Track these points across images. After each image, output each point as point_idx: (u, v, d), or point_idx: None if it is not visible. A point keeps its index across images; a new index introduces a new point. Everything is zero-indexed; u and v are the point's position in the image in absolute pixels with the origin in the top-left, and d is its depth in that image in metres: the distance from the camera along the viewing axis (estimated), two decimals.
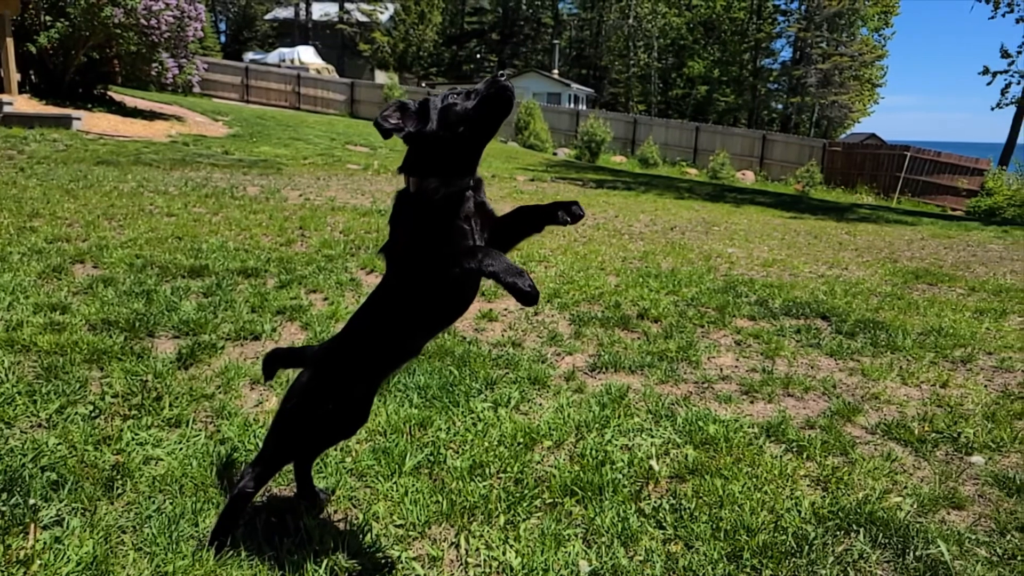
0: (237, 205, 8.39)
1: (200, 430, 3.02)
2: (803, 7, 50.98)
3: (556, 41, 55.16)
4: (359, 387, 2.17)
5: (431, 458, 2.90)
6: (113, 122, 16.67)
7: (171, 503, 2.46)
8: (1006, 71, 31.39)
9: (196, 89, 20.48)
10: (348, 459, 2.86)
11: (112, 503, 2.46)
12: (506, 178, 16.50)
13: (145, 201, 8.05)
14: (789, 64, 54.51)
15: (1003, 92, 31.75)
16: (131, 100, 19.93)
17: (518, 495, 2.67)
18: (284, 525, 2.41)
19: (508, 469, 2.86)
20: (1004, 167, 28.90)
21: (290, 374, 2.89)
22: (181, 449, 2.83)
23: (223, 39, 53.33)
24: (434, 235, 1.87)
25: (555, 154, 30.90)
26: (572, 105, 42.67)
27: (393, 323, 2.04)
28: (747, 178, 30.90)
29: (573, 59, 61.14)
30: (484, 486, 2.72)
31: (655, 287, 6.04)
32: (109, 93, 19.11)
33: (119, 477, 2.58)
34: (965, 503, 2.80)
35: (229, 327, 4.21)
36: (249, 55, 43.02)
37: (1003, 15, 30.59)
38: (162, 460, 2.75)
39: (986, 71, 31.86)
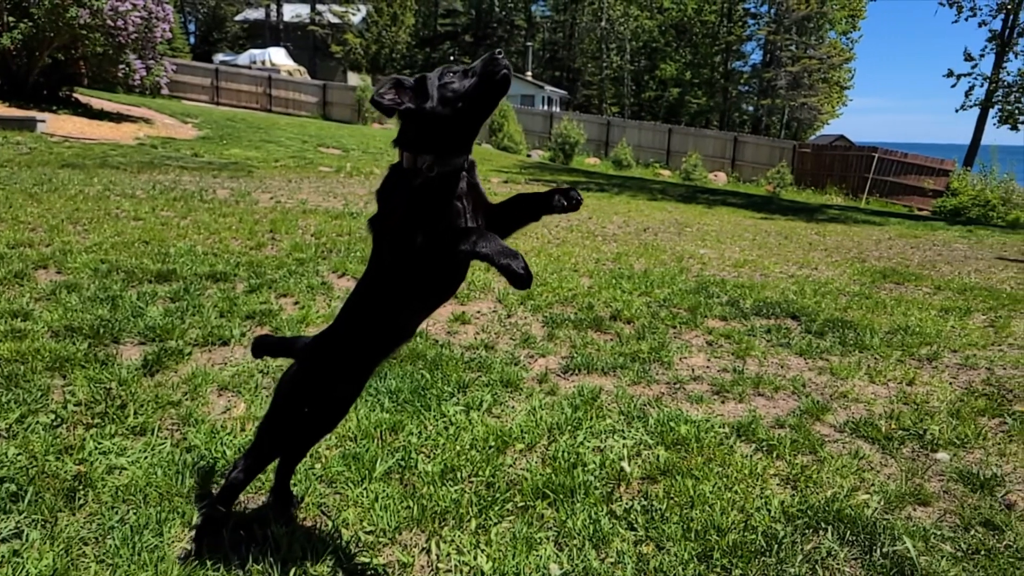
0: (206, 208, 8.27)
1: (166, 438, 2.97)
2: (772, 10, 51.65)
3: (529, 43, 55.26)
4: (354, 373, 2.13)
5: (402, 463, 2.88)
6: (79, 124, 16.37)
7: (135, 513, 2.41)
8: (969, 74, 32.03)
9: (164, 91, 20.19)
10: (318, 465, 2.82)
11: (73, 514, 2.40)
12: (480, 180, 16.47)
13: (111, 205, 7.91)
14: (759, 67, 55.19)
15: (967, 94, 32.43)
16: (98, 102, 19.59)
17: (490, 499, 2.66)
18: (251, 533, 2.37)
19: (480, 473, 2.85)
20: (968, 168, 29.49)
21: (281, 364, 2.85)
22: (146, 458, 2.78)
23: (192, 40, 52.63)
24: (427, 212, 1.83)
25: (529, 156, 30.96)
26: (546, 107, 42.80)
27: (385, 301, 1.98)
28: (719, 179, 31.21)
29: (546, 61, 61.31)
30: (455, 490, 2.70)
31: (628, 288, 6.06)
32: (75, 95, 18.77)
33: (81, 487, 2.53)
34: (930, 499, 2.85)
35: (197, 333, 4.14)
36: (219, 56, 42.51)
37: (966, 19, 31.27)
38: (126, 469, 2.69)
39: (950, 74, 32.50)
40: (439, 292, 2.03)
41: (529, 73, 46.99)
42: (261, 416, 3.17)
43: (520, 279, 1.64)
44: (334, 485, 2.71)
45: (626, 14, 55.10)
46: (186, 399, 3.32)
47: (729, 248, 9.27)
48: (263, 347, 2.46)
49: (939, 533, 2.59)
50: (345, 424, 3.13)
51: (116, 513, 2.41)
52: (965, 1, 30.59)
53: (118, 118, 18.50)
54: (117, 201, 8.23)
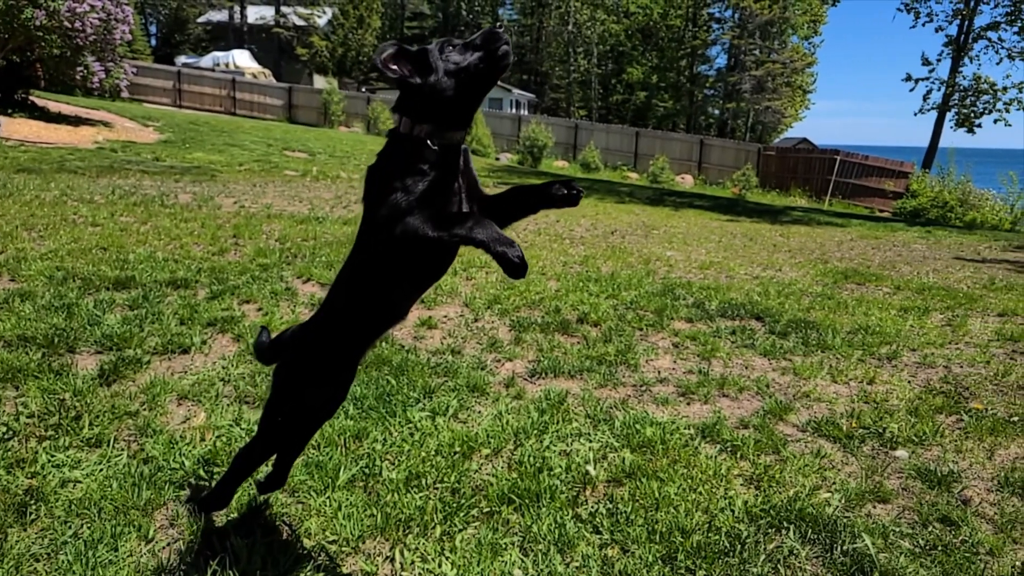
0: (168, 213, 8.12)
1: (122, 449, 2.89)
2: (736, 15, 52.38)
3: None
4: (347, 356, 2.08)
5: (366, 471, 2.85)
6: (35, 128, 15.97)
7: (88, 528, 2.35)
8: (927, 78, 32.77)
9: (125, 94, 19.79)
10: None
11: (25, 530, 2.33)
12: None
13: (68, 210, 7.72)
14: (724, 70, 55.92)
15: (925, 98, 33.16)
16: (55, 105, 19.14)
17: (455, 505, 2.64)
18: (210, 545, 2.32)
19: (445, 479, 2.83)
20: (927, 170, 30.18)
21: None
22: (101, 470, 2.71)
23: (154, 42, 51.71)
24: (422, 182, 1.77)
25: (497, 159, 30.98)
26: (514, 110, 42.86)
27: (378, 280, 1.91)
28: (686, 182, 31.53)
29: (514, 64, 61.45)
30: (420, 497, 2.68)
31: (595, 291, 6.08)
32: (31, 98, 18.31)
33: (33, 502, 2.45)
34: (890, 496, 2.89)
35: (156, 341, 4.05)
36: (181, 59, 41.85)
37: (923, 24, 31.96)
38: (80, 482, 2.62)
39: (909, 78, 33.21)
40: (431, 272, 1.97)
41: None
42: (227, 421, 3.12)
43: (515, 268, 1.61)
44: (296, 494, 2.66)
45: (592, 18, 55.47)
46: (144, 409, 3.25)
47: (695, 250, 9.36)
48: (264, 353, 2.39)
49: (898, 530, 2.63)
50: None
51: (69, 528, 2.34)
52: (922, 7, 31.33)
53: (76, 121, 18.09)
54: (74, 206, 8.04)
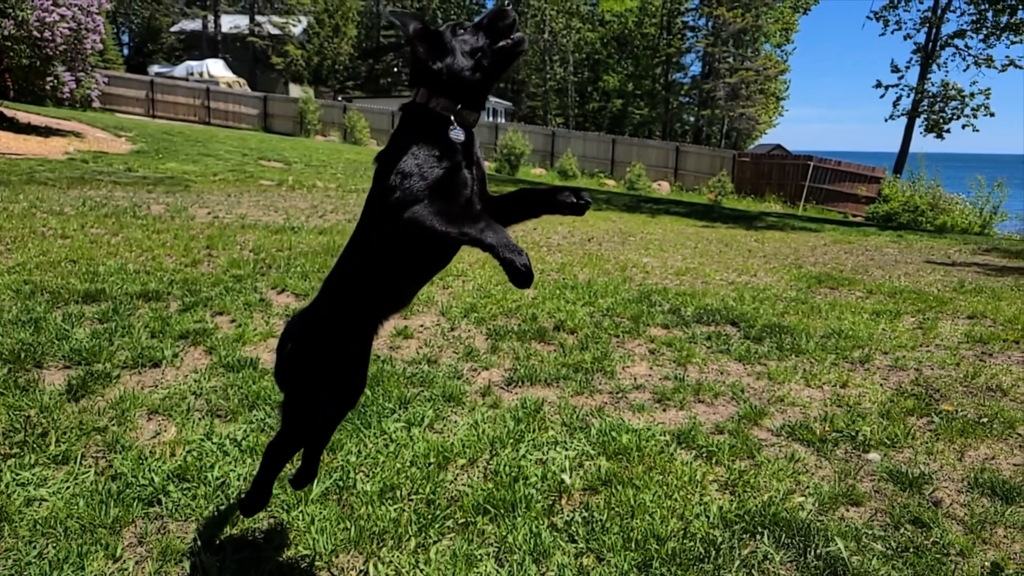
0: (139, 225, 8.01)
1: (90, 466, 2.84)
2: (710, 24, 52.92)
3: None
4: (352, 342, 2.02)
5: (340, 483, 2.82)
6: (4, 139, 15.70)
7: (54, 548, 2.30)
8: (897, 85, 33.22)
9: (96, 104, 19.53)
10: None
11: None
12: None
13: (37, 223, 7.60)
14: (699, 78, 56.45)
15: (895, 104, 33.60)
16: (25, 115, 18.84)
17: (430, 517, 2.62)
18: (180, 563, 2.28)
19: (420, 490, 2.81)
20: (898, 175, 30.62)
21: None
22: (67, 488, 2.65)
23: (126, 52, 51.17)
24: (437, 168, 1.74)
25: None
26: (491, 118, 42.91)
27: (380, 264, 1.85)
28: (663, 188, 31.74)
29: None
30: (395, 509, 2.66)
31: (572, 298, 6.09)
32: (0, 108, 18.01)
33: None
34: (862, 499, 2.92)
35: (126, 354, 3.99)
36: (155, 68, 41.42)
37: (892, 32, 32.45)
38: (46, 501, 2.57)
39: (879, 84, 33.69)
40: (435, 263, 1.94)
41: None
42: (198, 436, 3.07)
43: (521, 276, 1.58)
44: (268, 509, 2.63)
45: (568, 27, 55.78)
46: (113, 424, 3.19)
47: (672, 256, 9.41)
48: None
49: (870, 532, 2.65)
50: None
51: (34, 548, 2.29)
52: (891, 15, 31.84)
53: (46, 132, 17.82)
54: (43, 218, 7.91)
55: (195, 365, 4.00)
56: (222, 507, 2.58)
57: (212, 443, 3.06)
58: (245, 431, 3.19)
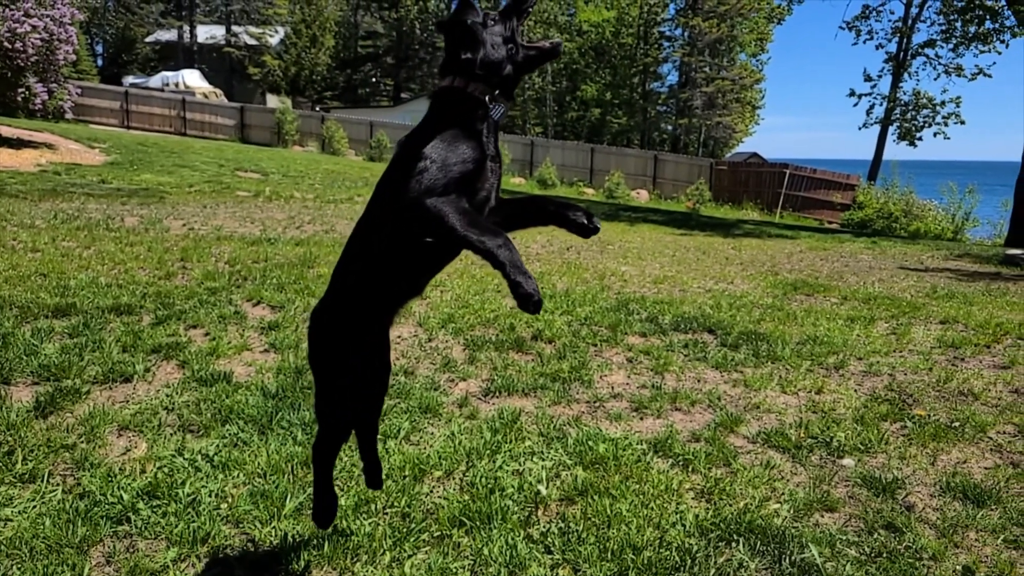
0: (112, 237, 7.91)
1: (57, 485, 2.78)
2: (686, 34, 53.47)
3: None
4: (367, 330, 2.00)
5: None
6: None
7: (19, 569, 2.25)
8: (869, 94, 33.82)
9: (69, 115, 19.27)
10: (224, 505, 2.70)
11: None
12: None
13: (7, 236, 7.47)
14: (676, 87, 56.97)
15: (868, 112, 34.20)
16: None
17: (405, 530, 2.60)
18: None
19: (395, 504, 2.78)
20: (872, 182, 31.10)
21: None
22: (34, 507, 2.60)
23: (100, 63, 50.64)
24: (464, 161, 1.72)
25: None
26: None
27: (390, 254, 1.82)
28: (641, 197, 31.93)
29: None
30: (369, 523, 2.63)
31: (550, 308, 6.09)
32: None
33: None
34: (837, 505, 2.94)
35: (96, 370, 3.92)
36: (129, 79, 41.01)
37: (864, 42, 32.99)
38: (11, 521, 2.51)
39: (852, 93, 34.24)
40: (446, 256, 1.91)
41: None
42: (169, 451, 3.02)
43: (527, 300, 1.55)
44: (240, 525, 2.59)
45: (545, 36, 56.06)
46: (82, 441, 3.13)
47: (650, 265, 9.46)
48: None
49: (844, 538, 2.67)
50: (254, 460, 3.02)
51: None
52: (863, 25, 32.37)
53: (18, 144, 17.56)
54: (14, 232, 7.78)
55: (167, 379, 3.94)
56: (193, 524, 2.54)
57: (184, 459, 3.01)
58: (218, 446, 3.14)
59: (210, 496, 2.74)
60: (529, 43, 1.85)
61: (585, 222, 1.77)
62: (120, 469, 2.92)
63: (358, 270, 1.90)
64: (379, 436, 3.35)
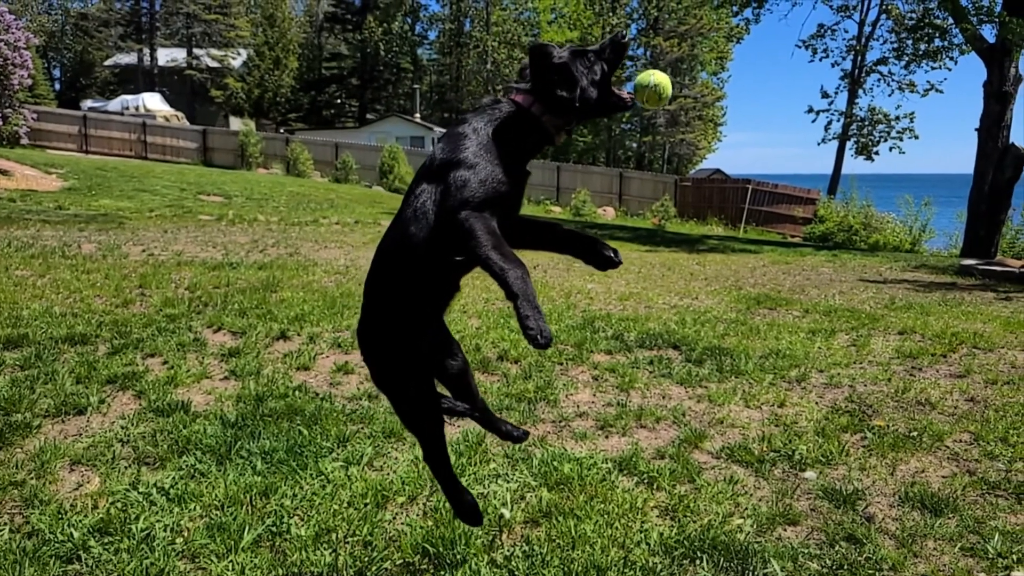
0: (68, 265, 7.73)
1: (4, 524, 2.69)
2: (648, 53, 54.37)
3: (416, 85, 55.68)
4: (414, 326, 1.94)
5: (273, 529, 2.73)
6: None
7: None
8: (827, 110, 34.65)
9: (25, 140, 18.95)
10: (179, 540, 2.63)
11: None
12: (369, 223, 16.29)
13: None
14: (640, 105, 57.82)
15: (826, 128, 35.00)
16: None
17: (366, 559, 2.56)
18: None
19: (357, 532, 2.74)
20: (832, 196, 31.82)
21: None
22: None
23: (58, 87, 49.87)
24: (507, 182, 1.73)
25: None
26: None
27: (416, 259, 1.80)
28: (608, 214, 32.21)
29: (435, 103, 61.87)
30: (330, 554, 2.58)
31: (516, 327, 6.08)
32: None
33: None
34: (799, 518, 2.96)
35: (48, 402, 3.82)
36: (88, 103, 40.38)
37: (820, 60, 33.83)
38: None
39: (811, 110, 35.00)
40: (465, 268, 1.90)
41: (417, 115, 47.24)
42: (123, 485, 2.93)
43: (535, 337, 1.53)
44: (196, 560, 2.52)
45: (510, 57, 56.57)
46: (31, 478, 3.04)
47: (615, 282, 9.51)
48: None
49: (806, 551, 2.68)
50: (211, 491, 2.95)
51: None
52: (818, 43, 33.22)
53: None
54: None
55: (123, 411, 3.84)
56: (146, 560, 2.46)
57: (138, 492, 2.93)
58: (174, 478, 3.07)
59: (165, 531, 2.66)
60: (615, 93, 1.87)
61: (612, 255, 1.85)
62: (71, 505, 2.83)
63: (393, 276, 1.88)
64: (341, 463, 3.31)
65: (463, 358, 2.17)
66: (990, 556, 2.68)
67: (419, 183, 1.82)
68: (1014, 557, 2.68)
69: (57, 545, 2.54)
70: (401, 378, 1.99)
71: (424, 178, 1.81)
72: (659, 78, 1.84)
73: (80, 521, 2.70)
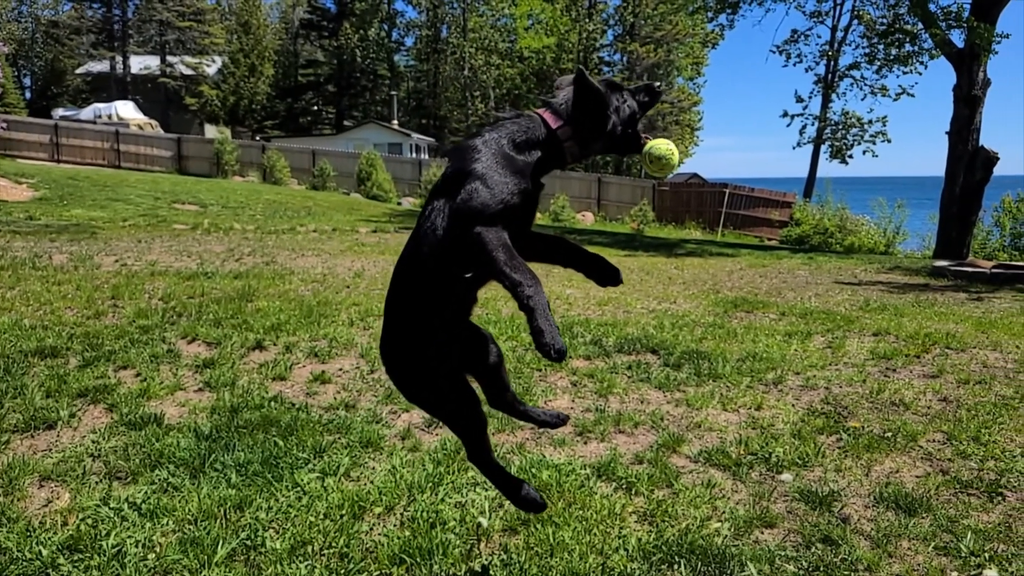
0: (39, 276, 7.60)
1: None
2: (625, 59, 54.77)
3: (394, 92, 55.55)
4: (436, 335, 1.96)
5: (248, 543, 2.69)
6: None
7: None
8: (801, 114, 35.11)
9: None
10: (151, 555, 2.58)
11: None
12: (347, 231, 16.20)
13: None
14: None
15: (801, 132, 35.46)
16: None
17: (343, 571, 2.53)
18: None
19: (333, 544, 2.71)
20: (808, 199, 32.20)
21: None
22: None
23: (29, 95, 49.16)
24: (523, 197, 1.75)
25: (399, 204, 30.85)
26: (414, 155, 42.97)
27: (429, 272, 1.84)
28: (587, 219, 32.31)
29: (412, 109, 61.78)
30: (305, 567, 2.55)
31: (495, 334, 6.06)
32: None
33: None
34: (776, 521, 2.97)
35: (16, 417, 3.74)
36: (59, 111, 39.84)
37: (794, 64, 34.24)
38: None
39: (786, 114, 35.44)
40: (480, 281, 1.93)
41: (395, 121, 47.13)
42: (94, 501, 2.88)
43: (548, 350, 1.57)
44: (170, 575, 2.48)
45: (487, 63, 56.68)
46: None
47: (594, 287, 9.51)
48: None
49: (783, 554, 2.70)
50: (184, 506, 2.90)
51: None
52: (792, 48, 33.65)
53: None
54: None
55: (94, 424, 3.78)
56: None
57: (109, 508, 2.88)
58: (146, 493, 3.02)
59: (136, 547, 2.62)
60: (639, 134, 1.94)
61: (611, 272, 1.94)
62: (40, 523, 2.77)
63: (412, 293, 1.90)
64: (318, 473, 3.27)
65: (497, 351, 2.22)
66: (963, 555, 2.71)
67: (434, 199, 1.83)
68: (986, 555, 2.71)
69: (25, 564, 2.49)
70: (433, 389, 2.04)
71: (439, 193, 1.83)
72: (669, 151, 1.92)
73: (49, 538, 2.65)
